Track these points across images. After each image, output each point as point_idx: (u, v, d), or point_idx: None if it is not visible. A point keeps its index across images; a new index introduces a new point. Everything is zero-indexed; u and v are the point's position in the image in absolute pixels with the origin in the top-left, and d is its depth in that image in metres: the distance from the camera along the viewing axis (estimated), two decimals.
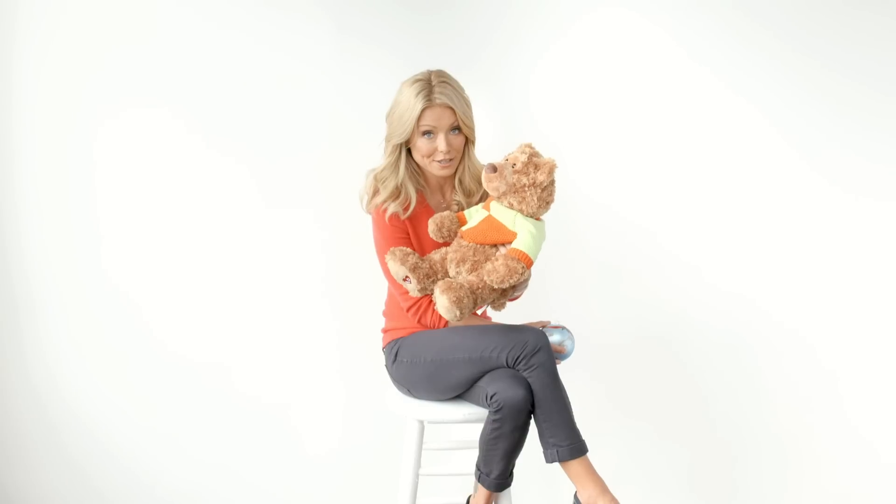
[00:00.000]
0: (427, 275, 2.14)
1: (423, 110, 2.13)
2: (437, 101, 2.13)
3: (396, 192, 2.21)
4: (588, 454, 2.06)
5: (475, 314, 2.29)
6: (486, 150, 2.32)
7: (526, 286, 2.18)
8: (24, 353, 2.81)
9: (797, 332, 2.88)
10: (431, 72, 2.19)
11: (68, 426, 2.83)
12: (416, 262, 2.14)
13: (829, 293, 2.87)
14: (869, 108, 2.82)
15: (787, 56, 2.82)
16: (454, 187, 2.29)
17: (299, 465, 2.88)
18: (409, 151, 2.23)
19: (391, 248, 2.16)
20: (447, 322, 2.20)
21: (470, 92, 2.23)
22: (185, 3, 2.74)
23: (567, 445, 2.04)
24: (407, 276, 2.13)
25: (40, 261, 2.79)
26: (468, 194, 2.29)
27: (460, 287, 2.03)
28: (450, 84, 2.17)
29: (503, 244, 2.11)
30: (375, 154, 2.28)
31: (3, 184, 2.76)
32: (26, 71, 2.72)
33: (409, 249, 2.17)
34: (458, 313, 2.02)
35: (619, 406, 2.91)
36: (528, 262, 2.05)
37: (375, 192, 2.23)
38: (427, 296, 2.21)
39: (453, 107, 2.15)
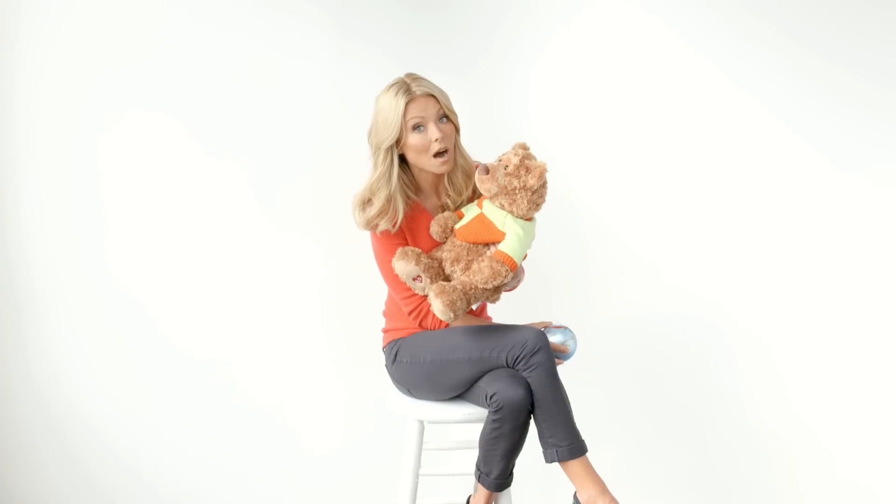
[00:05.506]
0: (437, 273, 2.17)
1: (407, 104, 2.14)
2: (418, 91, 2.15)
3: (387, 205, 2.17)
4: (588, 454, 2.06)
5: (476, 314, 2.30)
6: (485, 151, 2.32)
7: (520, 279, 2.19)
8: (27, 351, 2.81)
9: (805, 332, 2.87)
10: (402, 76, 2.20)
11: (70, 424, 2.83)
12: (428, 262, 2.16)
13: (846, 296, 2.86)
14: (873, 101, 2.81)
15: (788, 49, 2.81)
16: (448, 188, 2.29)
17: (299, 465, 2.88)
18: (401, 159, 2.22)
19: (401, 248, 2.17)
20: (448, 323, 2.21)
21: (469, 94, 2.24)
22: (187, 8, 2.75)
23: (567, 445, 2.04)
24: (418, 276, 2.15)
25: (43, 259, 2.79)
26: (458, 192, 2.28)
27: (453, 290, 2.06)
28: (424, 78, 2.19)
29: (493, 243, 2.13)
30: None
31: (5, 182, 2.76)
32: (30, 72, 2.72)
33: (418, 249, 2.18)
34: (452, 315, 2.06)
35: (619, 406, 2.91)
36: (512, 266, 2.08)
37: (366, 204, 2.19)
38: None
39: (435, 94, 2.17)
